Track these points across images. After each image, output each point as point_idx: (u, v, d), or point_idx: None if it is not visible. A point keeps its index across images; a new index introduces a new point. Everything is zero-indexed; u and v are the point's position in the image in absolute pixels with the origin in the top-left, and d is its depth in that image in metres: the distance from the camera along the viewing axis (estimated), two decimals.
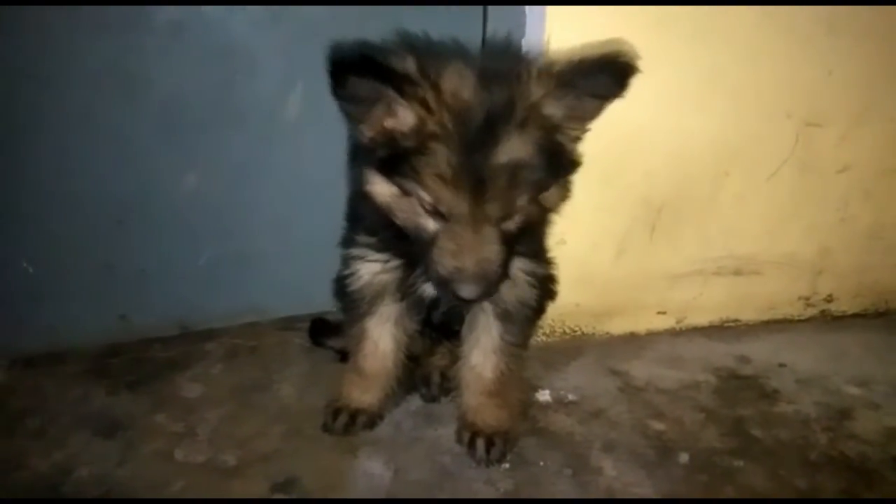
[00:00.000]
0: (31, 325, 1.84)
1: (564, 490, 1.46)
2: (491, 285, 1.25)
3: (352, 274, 1.52)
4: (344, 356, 1.81)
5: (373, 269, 1.49)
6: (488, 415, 1.56)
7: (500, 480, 1.49)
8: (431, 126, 1.17)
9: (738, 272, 2.07)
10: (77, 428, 1.61)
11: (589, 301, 1.99)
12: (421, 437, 1.62)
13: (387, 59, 1.15)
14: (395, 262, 1.46)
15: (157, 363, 1.87)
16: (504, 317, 1.52)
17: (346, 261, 1.54)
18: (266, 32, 1.70)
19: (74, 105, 1.67)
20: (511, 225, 1.26)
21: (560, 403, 1.75)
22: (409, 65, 1.18)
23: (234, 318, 2.01)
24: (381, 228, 1.40)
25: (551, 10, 1.65)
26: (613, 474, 1.51)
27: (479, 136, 1.14)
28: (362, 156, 1.29)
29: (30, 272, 1.78)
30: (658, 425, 1.67)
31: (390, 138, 1.21)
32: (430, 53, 1.24)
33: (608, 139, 1.76)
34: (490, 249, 1.22)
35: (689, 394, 1.81)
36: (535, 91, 1.20)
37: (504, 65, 1.23)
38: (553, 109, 1.23)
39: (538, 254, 1.52)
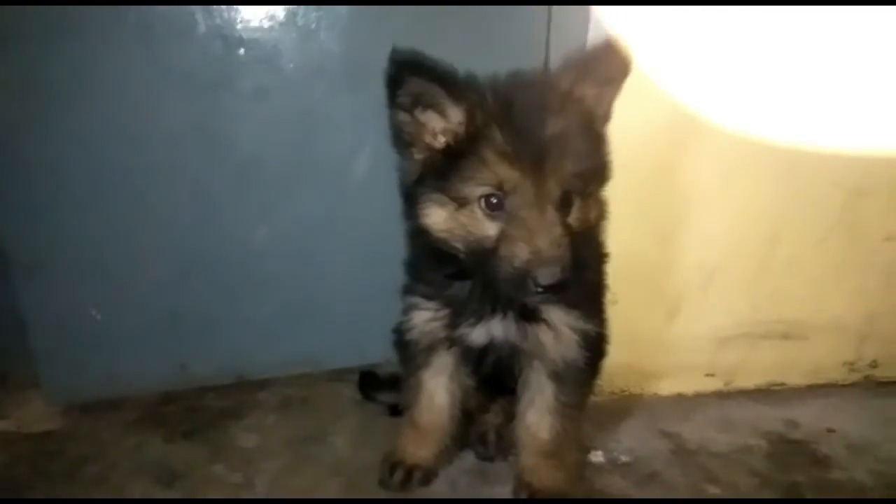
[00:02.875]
0: (91, 371, 1.87)
1: None
2: (567, 272, 1.23)
3: (409, 321, 1.56)
4: (394, 410, 1.83)
5: (424, 316, 1.52)
6: (545, 476, 1.55)
7: None
8: (480, 118, 1.26)
9: (785, 336, 2.08)
10: (137, 476, 1.63)
11: (638, 361, 2.00)
12: (477, 495, 1.62)
13: (438, 64, 1.26)
14: (444, 311, 1.49)
15: (212, 412, 1.90)
16: (556, 377, 1.52)
17: (405, 310, 1.58)
18: (342, 98, 1.78)
19: (156, 161, 1.75)
20: (572, 219, 1.30)
21: (614, 465, 1.75)
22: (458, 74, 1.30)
23: (287, 367, 2.04)
24: (436, 268, 1.45)
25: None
26: None
27: (525, 118, 1.25)
28: (415, 188, 1.35)
29: (97, 319, 1.82)
30: (714, 489, 1.66)
31: (441, 150, 1.31)
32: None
33: (666, 199, 1.85)
34: (558, 231, 1.24)
35: (741, 457, 1.79)
36: (564, 81, 1.33)
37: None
38: (581, 92, 1.33)
39: (588, 309, 1.51)
